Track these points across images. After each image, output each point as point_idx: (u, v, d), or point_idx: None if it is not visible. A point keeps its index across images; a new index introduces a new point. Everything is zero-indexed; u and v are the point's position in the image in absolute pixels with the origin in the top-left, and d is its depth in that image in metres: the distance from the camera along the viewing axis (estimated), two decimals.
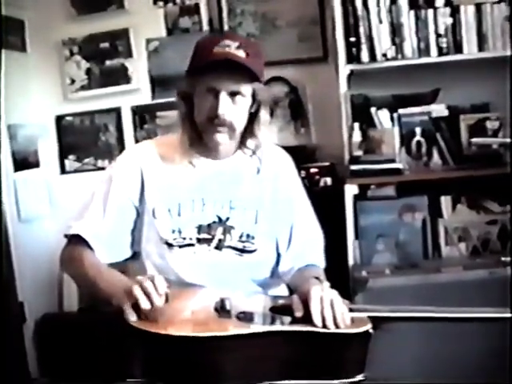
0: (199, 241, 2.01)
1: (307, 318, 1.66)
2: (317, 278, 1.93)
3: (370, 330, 1.65)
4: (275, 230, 2.10)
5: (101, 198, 2.04)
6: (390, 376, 2.80)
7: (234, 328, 1.59)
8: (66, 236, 2.05)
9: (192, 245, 2.00)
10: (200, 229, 2.01)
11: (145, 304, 1.62)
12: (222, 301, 1.72)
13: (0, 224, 3.76)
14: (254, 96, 1.99)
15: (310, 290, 1.71)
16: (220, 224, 2.02)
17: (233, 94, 1.92)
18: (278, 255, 2.13)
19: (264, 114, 2.04)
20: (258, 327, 1.61)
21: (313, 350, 1.60)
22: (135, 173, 2.04)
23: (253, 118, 2.02)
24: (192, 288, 1.94)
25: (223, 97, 1.90)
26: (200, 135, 2.00)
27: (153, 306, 1.63)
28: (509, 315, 1.70)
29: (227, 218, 2.03)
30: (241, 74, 1.90)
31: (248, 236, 2.03)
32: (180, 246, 2.00)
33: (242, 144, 2.07)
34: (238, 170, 2.08)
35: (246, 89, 1.95)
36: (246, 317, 1.69)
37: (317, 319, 1.64)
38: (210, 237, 2.01)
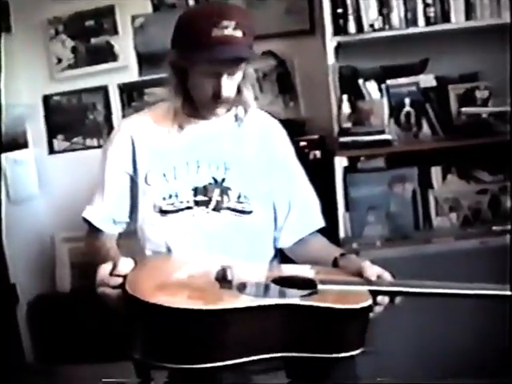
0: (197, 203, 2.01)
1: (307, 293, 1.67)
2: (343, 254, 1.99)
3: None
4: (272, 192, 2.11)
5: (100, 177, 2.08)
6: (387, 349, 2.83)
7: (230, 300, 1.58)
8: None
9: (190, 208, 2.01)
10: (196, 191, 2.01)
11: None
12: (224, 270, 1.70)
13: None
14: None
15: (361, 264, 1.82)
16: (216, 185, 2.02)
17: (232, 73, 1.93)
18: (275, 220, 2.15)
19: (248, 69, 2.04)
20: (257, 300, 1.59)
21: (314, 324, 1.59)
22: (126, 143, 2.05)
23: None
24: (188, 255, 1.96)
25: (225, 80, 1.92)
26: (192, 101, 2.01)
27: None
28: (509, 293, 1.70)
29: (223, 179, 2.03)
30: (237, 54, 1.90)
31: (245, 197, 2.04)
32: (177, 211, 2.01)
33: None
34: (230, 130, 2.09)
35: (242, 65, 1.96)
36: (246, 288, 1.68)
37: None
38: (207, 199, 2.02)
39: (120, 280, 1.64)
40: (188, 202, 2.01)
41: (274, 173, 2.11)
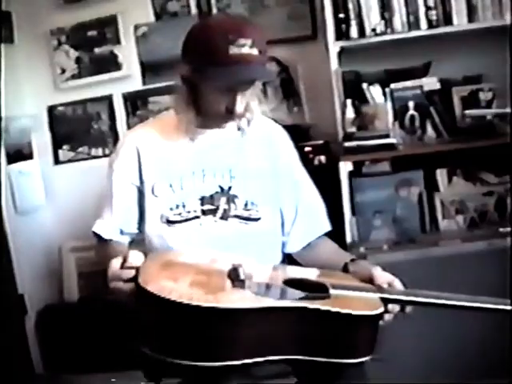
0: (204, 212, 2.02)
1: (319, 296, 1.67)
2: (353, 259, 2.01)
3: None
4: (278, 198, 2.13)
5: (107, 190, 2.09)
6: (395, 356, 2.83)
7: (241, 300, 1.57)
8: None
9: (197, 217, 2.02)
10: (203, 200, 2.02)
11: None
12: (236, 269, 1.68)
13: None
14: None
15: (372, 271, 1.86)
16: (223, 194, 2.04)
17: (246, 90, 1.94)
18: (282, 225, 2.17)
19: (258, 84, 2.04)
20: (268, 301, 1.59)
21: (324, 328, 1.60)
22: (132, 155, 2.06)
23: None
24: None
25: (239, 97, 1.93)
26: (200, 113, 2.01)
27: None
28: (509, 307, 1.70)
29: (229, 188, 2.04)
30: (255, 75, 1.93)
31: (252, 204, 2.05)
32: (185, 220, 2.01)
33: None
34: (234, 138, 2.09)
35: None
36: (258, 289, 1.67)
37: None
38: (214, 207, 2.03)
39: (132, 272, 1.63)
40: (195, 211, 2.02)
41: (280, 178, 2.13)
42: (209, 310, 1.47)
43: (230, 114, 1.94)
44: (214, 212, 2.03)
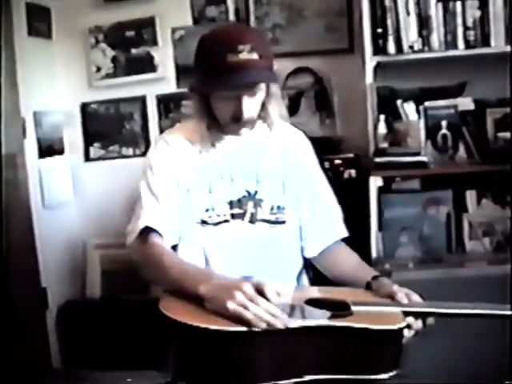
0: (233, 216, 2.05)
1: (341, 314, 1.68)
2: (375, 277, 1.99)
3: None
4: (297, 202, 2.15)
5: (148, 191, 2.03)
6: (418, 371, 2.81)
7: None
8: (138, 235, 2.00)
9: (227, 221, 2.04)
10: (232, 204, 2.05)
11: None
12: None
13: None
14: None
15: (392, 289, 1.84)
16: (250, 198, 2.06)
17: (252, 94, 1.96)
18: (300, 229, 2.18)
19: (276, 89, 2.07)
20: (293, 322, 1.60)
21: (349, 345, 1.60)
22: (168, 157, 2.06)
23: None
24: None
25: (246, 101, 1.95)
26: (215, 120, 2.04)
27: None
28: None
29: (255, 192, 2.07)
30: (253, 79, 1.94)
31: (279, 207, 2.09)
32: (215, 224, 2.03)
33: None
34: (258, 143, 2.13)
35: (262, 86, 2.00)
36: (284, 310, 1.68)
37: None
38: (242, 211, 2.06)
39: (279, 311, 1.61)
40: (225, 215, 2.04)
41: (299, 183, 2.16)
42: (235, 333, 1.50)
43: (238, 120, 1.96)
44: (242, 216, 2.06)
